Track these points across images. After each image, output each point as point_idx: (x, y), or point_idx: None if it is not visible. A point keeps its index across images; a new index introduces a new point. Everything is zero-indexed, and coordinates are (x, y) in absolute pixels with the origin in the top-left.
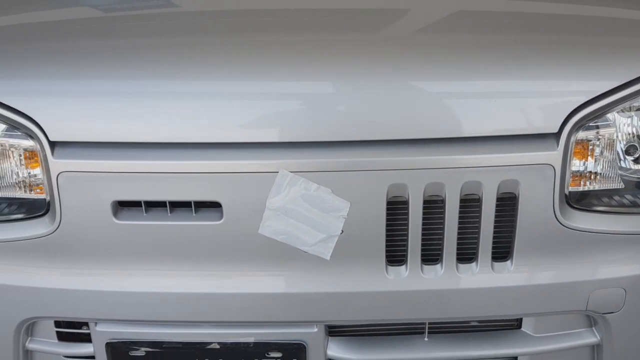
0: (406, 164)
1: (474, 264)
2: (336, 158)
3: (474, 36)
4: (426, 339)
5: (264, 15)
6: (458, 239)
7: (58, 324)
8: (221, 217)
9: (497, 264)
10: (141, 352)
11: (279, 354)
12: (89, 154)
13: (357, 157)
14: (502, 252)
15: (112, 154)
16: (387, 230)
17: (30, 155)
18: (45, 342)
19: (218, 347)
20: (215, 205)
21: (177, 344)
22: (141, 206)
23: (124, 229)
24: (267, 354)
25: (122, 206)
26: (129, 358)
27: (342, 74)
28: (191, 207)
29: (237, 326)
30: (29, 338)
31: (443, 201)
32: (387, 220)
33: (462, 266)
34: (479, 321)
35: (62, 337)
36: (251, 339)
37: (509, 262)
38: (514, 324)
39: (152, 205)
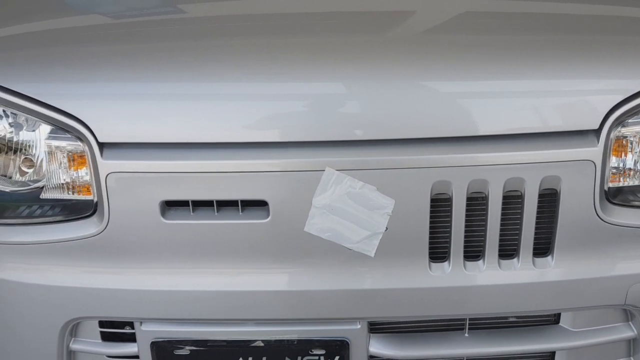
0: (451, 161)
1: (515, 259)
2: (381, 156)
3: (514, 37)
4: (466, 334)
5: (290, 18)
6: (499, 235)
7: (102, 324)
8: (267, 215)
9: (538, 260)
10: (185, 350)
11: (322, 351)
12: (137, 154)
13: (403, 155)
14: (542, 247)
15: (160, 154)
16: (430, 227)
17: (78, 157)
18: (89, 343)
19: (262, 344)
20: (261, 204)
21: (222, 342)
22: (188, 205)
23: (172, 228)
24: (311, 351)
25: (169, 206)
26: (173, 357)
27: (386, 73)
28: (237, 205)
29: (281, 324)
30: (73, 339)
31: (486, 198)
32: (431, 217)
33: (503, 262)
34: (517, 316)
35: (106, 337)
36: (295, 336)
37: (549, 257)
38: (552, 319)
39: (198, 204)
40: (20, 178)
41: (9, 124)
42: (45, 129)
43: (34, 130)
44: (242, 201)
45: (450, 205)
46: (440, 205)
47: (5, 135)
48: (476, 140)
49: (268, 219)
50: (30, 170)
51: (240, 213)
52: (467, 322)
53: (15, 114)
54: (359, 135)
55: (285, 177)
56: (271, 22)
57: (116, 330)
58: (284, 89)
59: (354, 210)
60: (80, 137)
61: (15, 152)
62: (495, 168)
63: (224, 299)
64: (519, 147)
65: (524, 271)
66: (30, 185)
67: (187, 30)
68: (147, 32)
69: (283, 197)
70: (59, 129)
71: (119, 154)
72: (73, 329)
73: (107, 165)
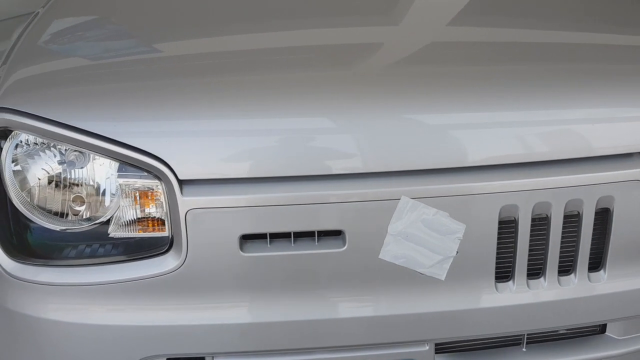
0: (519, 186)
1: (572, 275)
2: (453, 184)
3: (566, 66)
4: (524, 349)
5: (362, 50)
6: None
7: None
8: (343, 244)
9: (592, 274)
10: None
11: None
12: (216, 190)
13: (474, 182)
14: (593, 262)
15: (238, 189)
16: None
17: (153, 195)
18: None
19: None
20: (336, 234)
21: None
22: (264, 238)
23: (249, 261)
24: None
25: (246, 239)
26: None
27: (457, 106)
28: (312, 236)
29: (353, 350)
30: None
31: (547, 219)
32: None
33: (562, 278)
34: (567, 329)
35: None
36: None
37: (602, 271)
38: (597, 329)
39: (274, 236)
40: (91, 217)
41: (81, 163)
42: (119, 168)
43: (107, 170)
44: (318, 231)
45: (515, 227)
46: (504, 228)
47: (78, 176)
48: (540, 165)
49: (344, 248)
50: (102, 209)
51: (316, 243)
52: (525, 337)
53: (87, 153)
54: (432, 164)
55: (361, 207)
56: (344, 55)
57: None
58: (359, 122)
59: (427, 236)
60: (157, 175)
61: (87, 191)
62: (558, 191)
63: (298, 329)
64: (578, 170)
65: (580, 286)
66: (100, 224)
67: (260, 63)
68: (219, 65)
69: (359, 226)
70: (134, 167)
71: (199, 191)
72: None
73: (187, 202)
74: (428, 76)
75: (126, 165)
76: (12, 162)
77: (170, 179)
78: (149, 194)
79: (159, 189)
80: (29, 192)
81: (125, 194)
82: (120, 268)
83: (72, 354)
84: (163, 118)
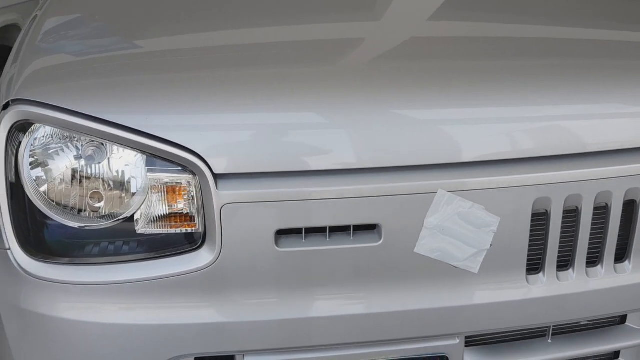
0: (553, 178)
1: (599, 266)
2: (489, 176)
3: (601, 62)
4: (549, 340)
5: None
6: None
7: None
8: (379, 239)
9: (618, 265)
10: None
11: None
12: (252, 184)
13: (509, 175)
14: (618, 253)
15: (273, 183)
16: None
17: (185, 189)
18: None
19: None
20: (371, 228)
21: None
22: (299, 233)
23: (284, 256)
24: None
25: (280, 234)
26: None
27: (493, 99)
28: (347, 231)
29: (386, 344)
30: None
31: (577, 211)
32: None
33: (590, 270)
34: (588, 320)
35: None
36: (399, 356)
37: (627, 262)
38: (617, 320)
39: (309, 231)
40: (117, 213)
41: (104, 158)
42: (149, 162)
43: (135, 165)
44: (350, 226)
45: (547, 220)
46: (535, 220)
47: (102, 171)
48: (573, 158)
49: (380, 242)
50: (129, 205)
51: (351, 238)
52: (551, 328)
53: (110, 147)
54: (469, 157)
55: (397, 201)
56: (370, 48)
57: None
58: (396, 116)
59: (463, 229)
60: (190, 169)
61: (113, 187)
62: (590, 183)
63: (332, 324)
64: (610, 163)
65: (607, 277)
66: (127, 220)
67: (295, 55)
68: (254, 58)
69: (395, 220)
70: (165, 161)
71: (234, 185)
72: None
73: (222, 196)
74: (464, 71)
75: (157, 159)
76: (31, 157)
77: (206, 173)
78: (181, 188)
79: (191, 183)
80: (50, 188)
81: (155, 189)
82: (149, 265)
83: (97, 355)
84: (198, 111)
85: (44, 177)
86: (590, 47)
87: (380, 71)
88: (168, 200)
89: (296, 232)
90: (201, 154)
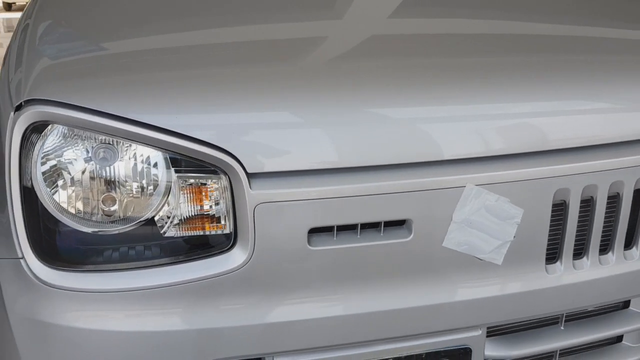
0: (573, 170)
1: (610, 254)
2: (515, 169)
3: (612, 56)
4: (562, 327)
5: (425, 39)
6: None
7: None
8: (409, 234)
9: (626, 252)
10: None
11: None
12: (284, 183)
13: (532, 167)
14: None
15: (305, 181)
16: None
17: (217, 189)
18: None
19: None
20: (399, 224)
21: None
22: (330, 231)
23: (316, 254)
24: None
25: (312, 232)
26: None
27: (522, 94)
28: (377, 227)
29: (414, 338)
30: None
31: (591, 200)
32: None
33: (602, 257)
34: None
35: None
36: (424, 350)
37: (634, 248)
38: (620, 305)
39: (340, 229)
40: (142, 216)
41: (132, 158)
42: (177, 162)
43: (164, 166)
44: (380, 222)
45: (565, 210)
46: (554, 211)
47: (130, 172)
48: (590, 149)
49: (410, 237)
50: (155, 207)
51: (381, 234)
52: (564, 316)
53: (133, 148)
54: (495, 151)
55: (427, 196)
56: (415, 44)
57: None
58: (426, 113)
59: (489, 221)
60: (222, 169)
61: (144, 189)
62: (606, 173)
63: (361, 321)
64: (622, 153)
65: (618, 264)
66: (152, 223)
67: (328, 50)
68: (284, 53)
69: (424, 215)
70: (194, 161)
71: (268, 184)
72: None
73: (256, 195)
74: (487, 67)
75: (186, 159)
76: (47, 160)
77: (239, 172)
78: (211, 188)
79: (222, 183)
80: (70, 193)
81: (183, 190)
82: (179, 269)
83: None
84: (229, 110)
85: (62, 181)
86: (604, 42)
87: (408, 69)
88: (197, 201)
89: (327, 230)
90: (235, 154)
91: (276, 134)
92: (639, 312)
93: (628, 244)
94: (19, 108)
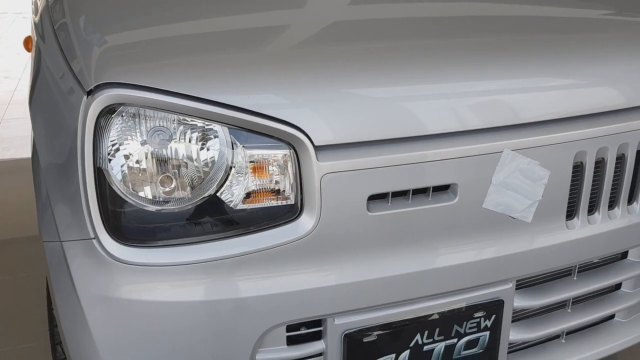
0: (589, 134)
1: (616, 209)
2: (542, 135)
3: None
4: (575, 278)
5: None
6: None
7: (289, 327)
8: (454, 197)
9: (629, 207)
10: (373, 336)
11: (482, 313)
12: (347, 154)
13: (558, 133)
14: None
15: (365, 151)
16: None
17: (284, 162)
18: (274, 350)
19: (437, 317)
20: (444, 189)
21: (405, 322)
22: (384, 197)
23: (374, 220)
24: (474, 315)
25: (370, 199)
26: (361, 345)
27: (548, 67)
28: (425, 192)
29: (451, 295)
30: (258, 350)
31: (602, 161)
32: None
33: (610, 212)
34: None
35: (291, 341)
36: (463, 304)
37: (635, 203)
38: (619, 256)
39: (393, 195)
40: (213, 191)
41: (203, 135)
42: (246, 138)
43: (235, 142)
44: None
45: (582, 170)
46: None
47: (201, 149)
48: (603, 115)
49: (455, 200)
50: (226, 182)
51: (430, 198)
52: (577, 267)
53: (208, 124)
54: (528, 118)
55: (471, 161)
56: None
57: (307, 331)
58: (470, 87)
59: (522, 183)
60: (289, 142)
61: (214, 165)
62: (615, 137)
63: (413, 280)
64: (628, 118)
65: (623, 217)
66: (222, 197)
67: (379, 30)
68: (346, 32)
69: (468, 180)
70: (263, 136)
71: (333, 155)
72: (260, 339)
73: (322, 167)
74: (511, 41)
75: (256, 134)
76: (120, 141)
77: (307, 145)
78: (279, 161)
79: (289, 156)
80: (143, 172)
81: (253, 164)
82: (247, 240)
83: (202, 332)
84: (297, 85)
85: (136, 162)
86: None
87: (456, 46)
88: (266, 175)
89: (382, 197)
90: (303, 128)
91: (340, 109)
92: (635, 261)
93: (630, 200)
94: (90, 92)
